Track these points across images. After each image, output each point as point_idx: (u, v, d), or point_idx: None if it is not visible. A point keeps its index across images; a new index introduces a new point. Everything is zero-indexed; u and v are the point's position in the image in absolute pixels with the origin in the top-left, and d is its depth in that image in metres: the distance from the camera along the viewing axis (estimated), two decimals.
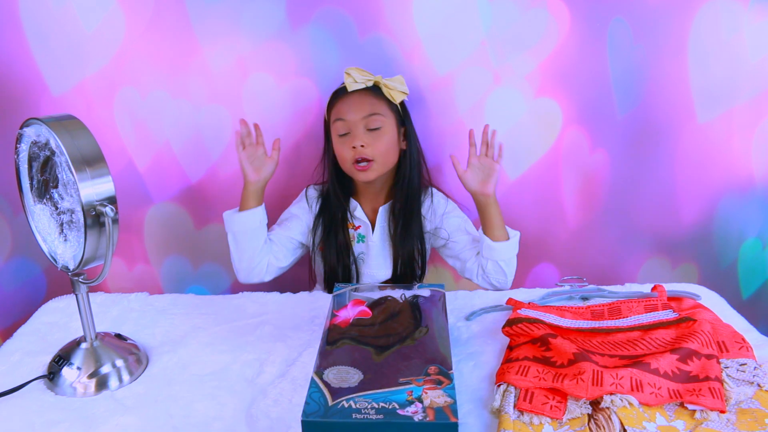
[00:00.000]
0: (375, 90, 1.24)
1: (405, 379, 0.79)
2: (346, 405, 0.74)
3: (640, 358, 0.89)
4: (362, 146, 1.21)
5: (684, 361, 0.87)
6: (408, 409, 0.73)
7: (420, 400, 0.75)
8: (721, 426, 0.79)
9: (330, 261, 1.31)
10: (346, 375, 0.80)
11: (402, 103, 1.28)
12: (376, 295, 1.02)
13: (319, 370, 0.81)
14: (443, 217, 1.32)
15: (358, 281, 1.33)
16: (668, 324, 0.97)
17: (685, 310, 1.03)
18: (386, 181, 1.31)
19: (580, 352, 0.89)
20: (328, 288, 1.35)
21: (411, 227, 1.29)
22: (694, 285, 1.19)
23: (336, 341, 0.88)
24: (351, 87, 1.22)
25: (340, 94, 1.25)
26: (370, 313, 0.96)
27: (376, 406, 0.74)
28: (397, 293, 1.02)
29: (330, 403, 0.74)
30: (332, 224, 1.30)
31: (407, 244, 1.29)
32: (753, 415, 0.80)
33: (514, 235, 1.24)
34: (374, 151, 1.22)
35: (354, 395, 0.76)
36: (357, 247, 1.33)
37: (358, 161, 1.22)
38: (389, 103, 1.25)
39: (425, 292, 1.03)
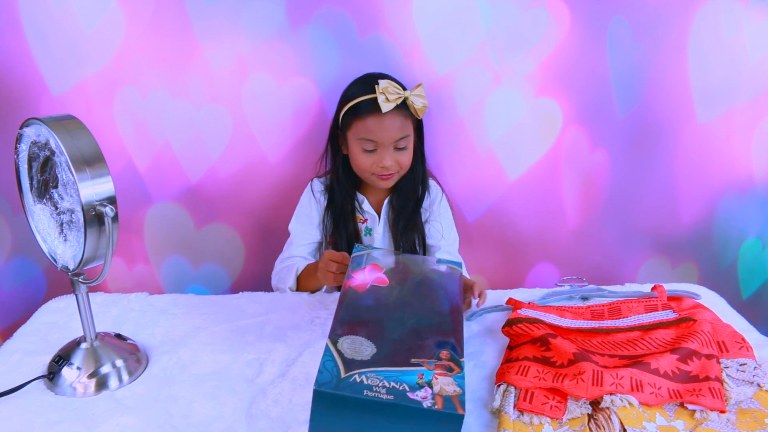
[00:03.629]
0: (403, 107, 1.20)
1: (417, 360, 0.78)
2: (358, 379, 0.74)
3: (640, 358, 0.89)
4: (391, 166, 1.22)
5: (684, 361, 0.87)
6: (418, 393, 0.73)
7: (430, 385, 0.75)
8: (721, 426, 0.79)
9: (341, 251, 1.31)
10: (359, 347, 0.79)
11: None
12: (394, 263, 1.00)
13: (334, 336, 0.80)
14: (438, 208, 1.33)
15: None
16: (668, 324, 0.97)
17: (685, 310, 1.03)
18: None
19: (580, 352, 0.89)
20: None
21: (412, 220, 1.31)
22: (694, 285, 1.19)
23: (352, 309, 0.87)
24: (385, 108, 1.17)
25: (369, 110, 1.18)
26: (387, 281, 0.94)
27: (387, 385, 0.74)
28: (417, 265, 1.00)
29: (342, 374, 0.74)
30: (342, 215, 1.31)
31: (408, 235, 1.31)
32: (753, 415, 0.80)
33: None
34: (399, 166, 1.24)
35: (366, 369, 0.75)
36: (365, 240, 1.34)
37: (381, 174, 1.24)
38: (412, 117, 1.23)
39: (443, 268, 1.01)
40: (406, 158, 1.25)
